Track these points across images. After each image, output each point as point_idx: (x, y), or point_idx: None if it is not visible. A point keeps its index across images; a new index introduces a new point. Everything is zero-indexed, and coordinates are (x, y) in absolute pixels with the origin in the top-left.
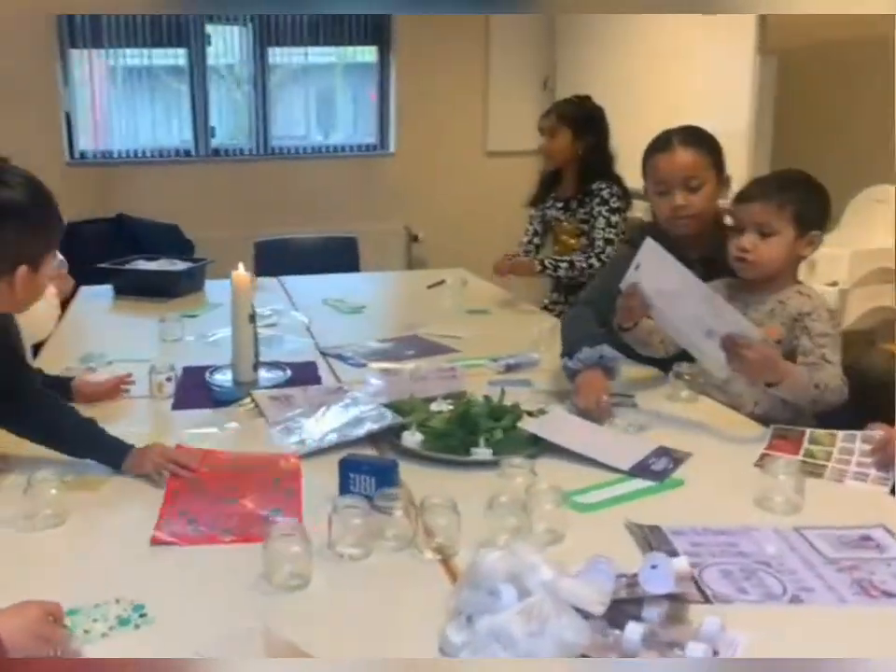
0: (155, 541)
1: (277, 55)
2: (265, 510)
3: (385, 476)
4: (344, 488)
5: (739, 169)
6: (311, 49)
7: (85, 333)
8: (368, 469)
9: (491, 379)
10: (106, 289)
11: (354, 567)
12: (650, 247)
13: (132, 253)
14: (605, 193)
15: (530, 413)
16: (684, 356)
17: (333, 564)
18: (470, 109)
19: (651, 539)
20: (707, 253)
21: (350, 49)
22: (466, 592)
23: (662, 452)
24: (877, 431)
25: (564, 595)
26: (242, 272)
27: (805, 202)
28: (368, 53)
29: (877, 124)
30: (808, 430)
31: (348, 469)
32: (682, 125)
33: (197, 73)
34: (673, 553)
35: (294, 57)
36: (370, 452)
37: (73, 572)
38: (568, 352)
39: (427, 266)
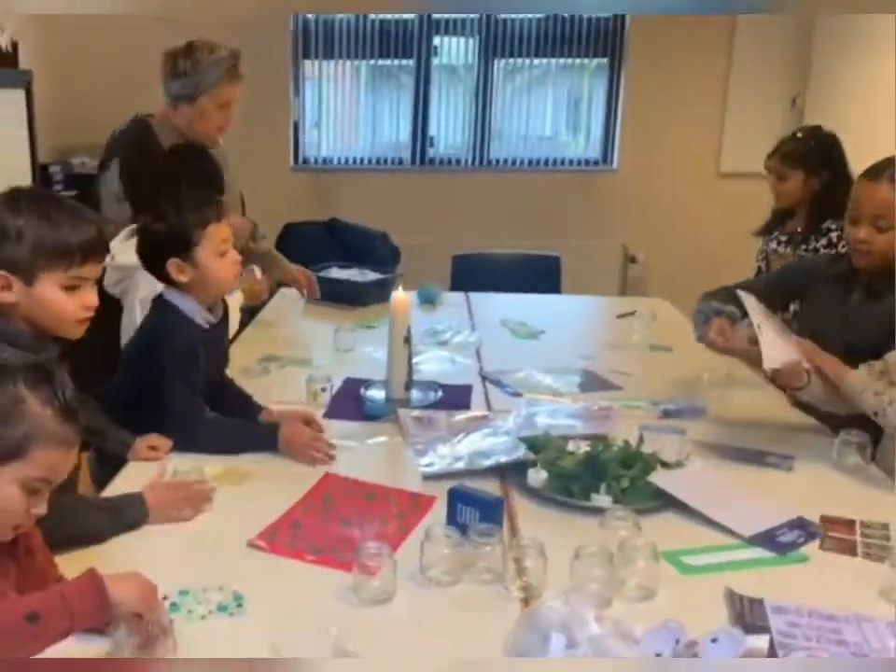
0: (249, 543)
1: (503, 67)
2: (367, 539)
3: (489, 511)
4: (451, 517)
5: None
6: (537, 61)
7: (271, 334)
8: (474, 501)
9: (643, 423)
10: None
11: (439, 592)
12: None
13: (341, 257)
14: (834, 235)
15: (665, 465)
16: (864, 417)
17: (420, 587)
18: (706, 125)
19: (748, 611)
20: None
21: (578, 60)
22: (520, 632)
23: (798, 523)
24: None
25: (603, 651)
26: (401, 294)
27: None
28: (597, 66)
29: None
30: None
31: (456, 500)
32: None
33: (421, 83)
34: (763, 630)
35: (521, 69)
36: (495, 483)
37: (189, 557)
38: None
39: (645, 289)
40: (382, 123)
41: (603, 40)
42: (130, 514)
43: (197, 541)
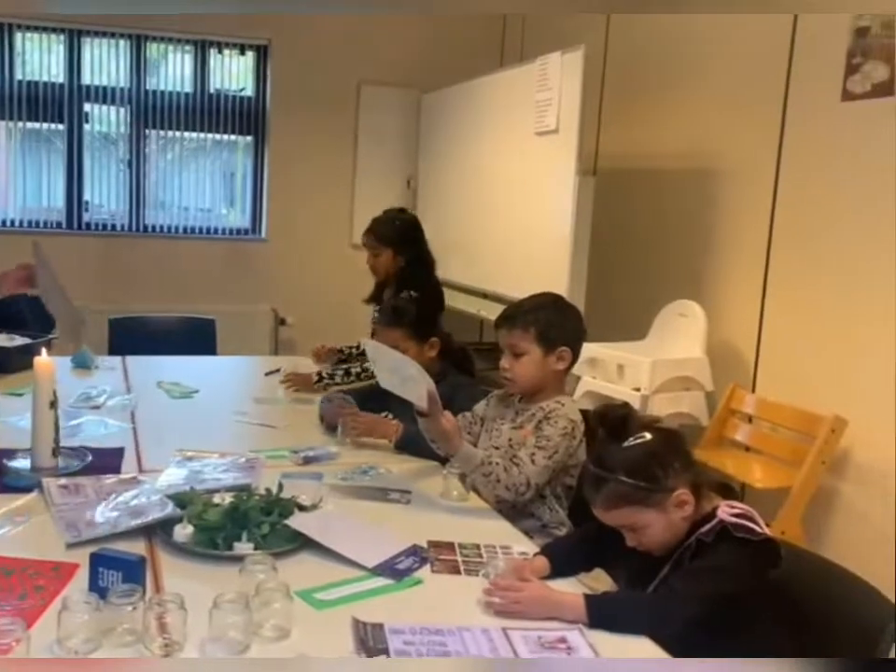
0: None
1: (155, 137)
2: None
3: (131, 572)
4: (93, 582)
5: (560, 276)
6: (191, 135)
7: None
8: (116, 563)
9: (286, 472)
10: None
11: (78, 664)
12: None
13: None
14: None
15: (303, 508)
16: None
17: (56, 663)
18: (339, 202)
19: (370, 636)
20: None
21: (229, 136)
22: None
23: (412, 551)
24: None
25: None
26: (45, 358)
27: (549, 322)
28: (243, 142)
29: (684, 244)
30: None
31: (97, 564)
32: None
33: (74, 148)
34: (384, 652)
35: (175, 140)
36: (142, 544)
37: None
38: None
39: (294, 349)
40: (34, 186)
41: (247, 118)
42: None
43: None
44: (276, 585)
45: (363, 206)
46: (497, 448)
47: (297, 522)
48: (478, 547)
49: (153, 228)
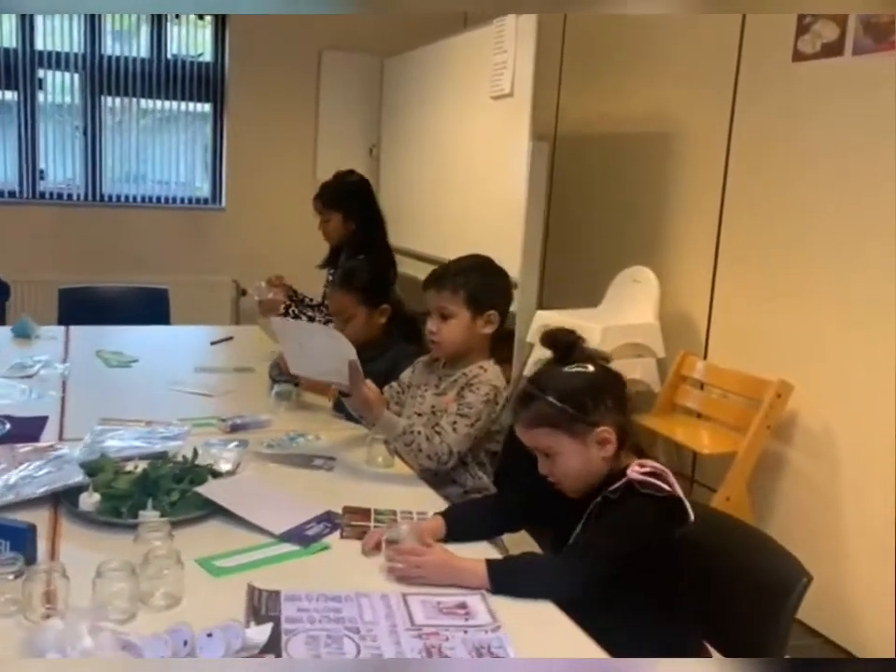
0: None
1: (111, 105)
2: None
3: (19, 540)
4: None
5: (514, 243)
6: (148, 103)
7: None
8: (4, 532)
9: (210, 440)
10: None
11: None
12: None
13: None
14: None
15: (218, 475)
16: None
17: None
18: (301, 171)
19: (264, 604)
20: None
21: (188, 104)
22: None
23: (325, 517)
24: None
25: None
26: None
27: (479, 285)
28: (202, 110)
29: (640, 210)
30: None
31: None
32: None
33: (27, 115)
34: (274, 620)
35: (131, 108)
36: (46, 513)
37: None
38: None
39: (255, 319)
40: None
41: (206, 85)
42: None
43: None
44: (167, 552)
45: (325, 174)
46: (419, 415)
47: (207, 489)
48: (394, 513)
49: (110, 197)
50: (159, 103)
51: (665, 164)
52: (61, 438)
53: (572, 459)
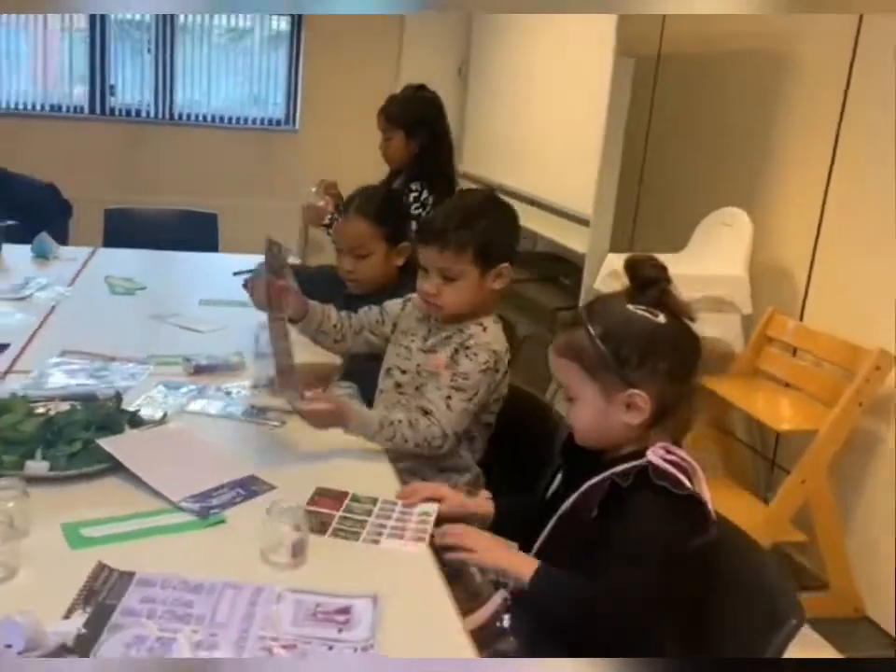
0: None
1: (186, 23)
2: None
3: None
4: None
5: (590, 171)
6: (221, 21)
7: None
8: None
9: (168, 380)
10: None
11: None
12: None
13: (6, 210)
14: (412, 196)
15: (139, 423)
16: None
17: None
18: (382, 91)
19: (108, 587)
20: None
21: (262, 19)
22: None
23: (245, 482)
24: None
25: None
26: None
27: (487, 237)
28: (279, 27)
29: (743, 144)
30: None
31: None
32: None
33: (97, 30)
34: (108, 610)
35: (206, 27)
36: None
37: None
38: None
39: (328, 248)
40: (56, 70)
41: None
42: None
43: None
44: (3, 517)
45: None
46: (403, 372)
47: (112, 441)
48: (374, 501)
49: (180, 116)
50: (233, 19)
51: (777, 93)
52: (11, 369)
53: (588, 410)
